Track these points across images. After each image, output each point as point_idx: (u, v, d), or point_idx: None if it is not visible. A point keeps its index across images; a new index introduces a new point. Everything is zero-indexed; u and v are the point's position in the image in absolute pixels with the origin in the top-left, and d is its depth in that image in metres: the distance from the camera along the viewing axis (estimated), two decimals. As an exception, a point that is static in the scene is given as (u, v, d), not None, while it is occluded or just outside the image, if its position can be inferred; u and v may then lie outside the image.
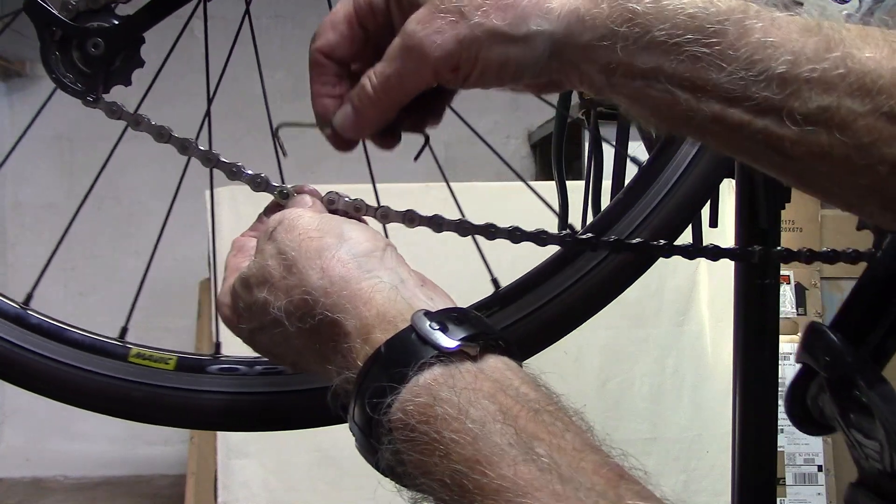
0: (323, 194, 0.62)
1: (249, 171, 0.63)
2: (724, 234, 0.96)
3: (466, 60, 0.51)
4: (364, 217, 0.62)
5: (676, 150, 0.73)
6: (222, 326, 0.60)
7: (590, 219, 0.93)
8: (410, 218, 0.63)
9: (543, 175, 3.19)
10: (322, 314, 0.50)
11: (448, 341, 0.45)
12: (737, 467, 0.93)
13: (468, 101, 0.74)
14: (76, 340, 0.67)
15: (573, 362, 1.92)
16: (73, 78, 0.61)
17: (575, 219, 1.04)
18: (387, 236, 0.57)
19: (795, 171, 0.50)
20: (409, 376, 0.44)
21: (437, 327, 0.46)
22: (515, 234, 0.66)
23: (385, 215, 0.63)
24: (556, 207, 1.06)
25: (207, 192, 1.96)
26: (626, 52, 0.49)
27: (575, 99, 1.10)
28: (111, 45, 0.61)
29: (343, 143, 0.57)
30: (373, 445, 0.46)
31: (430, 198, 1.09)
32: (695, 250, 0.69)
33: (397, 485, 0.46)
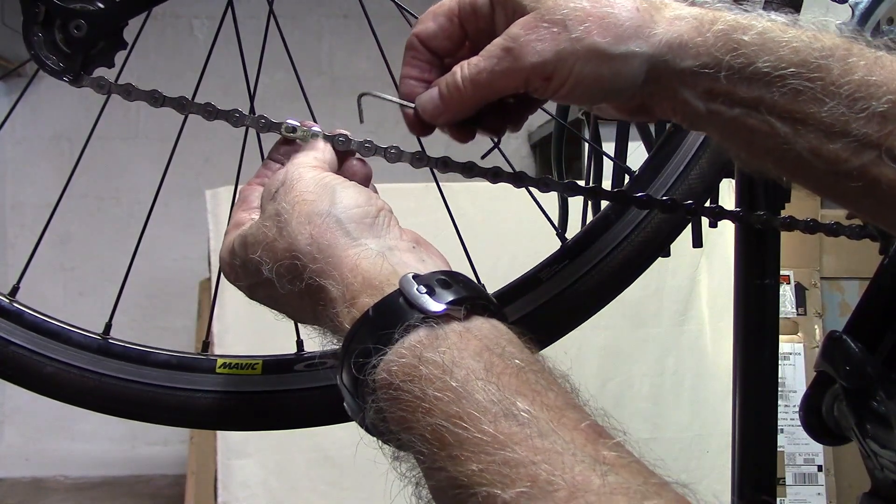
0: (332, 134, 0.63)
1: (253, 115, 0.63)
2: (724, 233, 0.96)
3: (561, 72, 0.52)
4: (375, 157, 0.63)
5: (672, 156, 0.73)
6: (216, 327, 0.61)
7: (589, 219, 0.93)
8: (444, 162, 0.64)
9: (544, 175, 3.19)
10: (310, 279, 0.51)
11: (435, 304, 0.46)
12: (737, 467, 0.93)
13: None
14: (162, 361, 0.68)
15: (573, 362, 1.91)
16: (55, 59, 0.61)
17: (575, 219, 1.04)
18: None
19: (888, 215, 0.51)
20: (395, 338, 0.45)
21: (425, 291, 0.47)
22: (569, 188, 0.67)
23: (397, 155, 0.64)
24: (556, 208, 1.06)
25: (208, 192, 1.97)
26: (729, 81, 0.50)
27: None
28: (94, 27, 0.60)
29: (420, 126, 0.59)
30: (359, 405, 0.47)
31: (430, 198, 1.09)
32: (696, 210, 0.69)
33: (379, 440, 0.47)
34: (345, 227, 0.52)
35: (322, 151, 0.61)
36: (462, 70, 0.55)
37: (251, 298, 0.60)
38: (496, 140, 0.64)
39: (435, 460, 0.41)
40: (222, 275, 0.60)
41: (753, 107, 0.50)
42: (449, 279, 0.48)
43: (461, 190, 1.84)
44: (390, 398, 0.44)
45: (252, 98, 0.72)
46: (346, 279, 0.50)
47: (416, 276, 0.48)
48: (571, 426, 0.40)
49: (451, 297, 0.47)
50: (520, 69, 0.53)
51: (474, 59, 0.55)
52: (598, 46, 0.51)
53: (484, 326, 0.46)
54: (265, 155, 0.65)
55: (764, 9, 0.69)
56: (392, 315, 0.46)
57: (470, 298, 0.47)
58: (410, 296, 0.47)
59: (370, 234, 0.53)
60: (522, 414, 0.40)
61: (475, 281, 0.50)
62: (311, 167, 0.58)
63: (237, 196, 0.63)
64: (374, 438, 0.47)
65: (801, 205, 2.01)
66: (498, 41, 0.53)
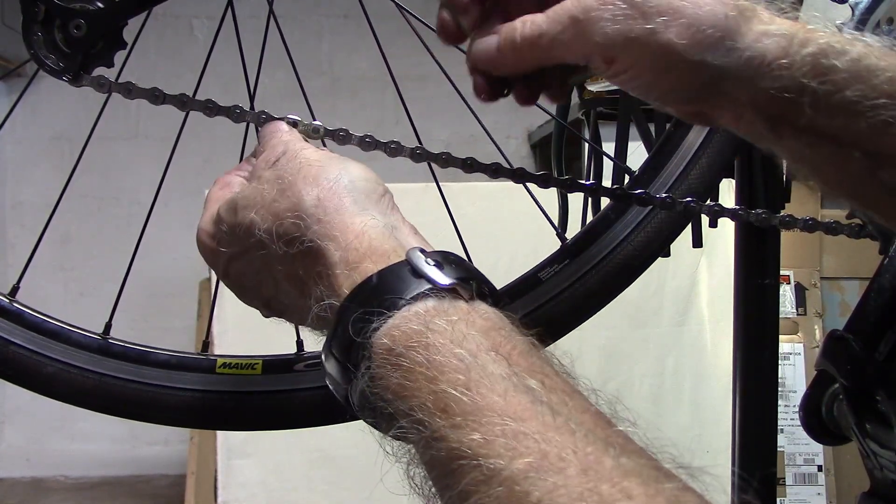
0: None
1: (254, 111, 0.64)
2: (724, 233, 0.96)
3: (624, 60, 0.49)
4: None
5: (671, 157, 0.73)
6: (216, 327, 0.60)
7: (589, 219, 0.93)
8: (444, 158, 0.63)
9: (543, 175, 3.18)
10: (311, 241, 0.49)
11: (443, 278, 0.44)
12: (737, 467, 0.93)
13: (469, 101, 0.74)
14: (162, 361, 0.67)
15: (573, 362, 1.92)
16: (55, 58, 0.61)
17: (575, 219, 1.04)
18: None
19: None
20: (401, 304, 0.43)
21: (433, 264, 0.45)
22: (567, 184, 0.67)
23: (397, 150, 0.64)
24: (556, 208, 1.06)
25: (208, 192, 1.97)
26: (813, 108, 0.46)
27: (575, 99, 1.10)
28: (94, 27, 0.60)
29: (488, 87, 0.55)
30: (349, 373, 0.44)
31: (429, 197, 1.08)
32: (697, 208, 0.69)
33: (364, 418, 0.44)
34: (353, 195, 0.51)
35: (294, 133, 0.60)
36: (523, 28, 0.51)
37: (223, 278, 0.57)
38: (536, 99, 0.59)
39: (436, 430, 0.38)
40: (198, 251, 0.58)
41: (832, 136, 0.46)
42: (455, 259, 0.47)
43: (461, 190, 1.84)
44: (390, 364, 0.41)
45: (252, 98, 0.72)
46: (350, 243, 0.48)
47: (422, 251, 0.47)
48: (581, 409, 0.39)
49: (458, 274, 0.45)
50: (583, 45, 0.49)
51: (538, 18, 0.50)
52: (673, 46, 0.47)
53: (489, 310, 0.45)
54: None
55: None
56: (398, 282, 0.44)
57: (477, 279, 0.46)
58: (418, 266, 0.45)
59: (377, 209, 0.51)
60: (534, 391, 0.38)
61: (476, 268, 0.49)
62: (307, 144, 0.57)
63: (214, 183, 0.61)
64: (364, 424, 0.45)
65: (800, 204, 2.01)
66: (567, 5, 0.49)
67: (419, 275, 0.45)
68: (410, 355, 0.41)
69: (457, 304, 0.44)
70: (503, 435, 0.36)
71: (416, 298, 0.43)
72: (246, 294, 0.58)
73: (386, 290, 0.44)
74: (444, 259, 0.46)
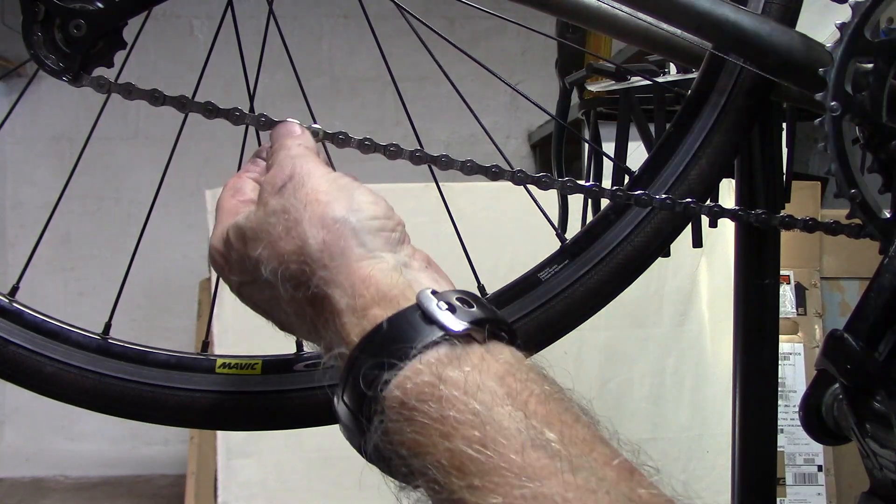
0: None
1: (253, 114, 0.63)
2: (724, 233, 0.96)
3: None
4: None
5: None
6: (216, 327, 0.60)
7: (589, 219, 0.93)
8: (444, 160, 0.63)
9: (543, 175, 3.18)
10: (317, 286, 0.48)
11: (456, 323, 0.43)
12: (737, 467, 0.93)
13: (469, 101, 0.74)
14: (162, 361, 0.67)
15: (573, 362, 1.92)
16: (55, 58, 0.61)
17: (575, 219, 1.04)
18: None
19: None
20: (412, 354, 0.42)
21: (445, 307, 0.43)
22: (567, 186, 0.67)
23: (397, 153, 0.63)
24: (556, 208, 1.06)
25: (208, 192, 1.97)
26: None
27: (575, 99, 1.10)
28: (93, 27, 0.60)
29: None
30: (361, 425, 0.43)
31: (429, 198, 1.08)
32: (697, 208, 0.69)
33: (382, 471, 0.43)
34: (360, 238, 0.49)
35: (307, 138, 0.58)
36: None
37: (237, 295, 0.57)
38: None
39: (452, 491, 0.37)
40: (210, 264, 0.58)
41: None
42: (468, 299, 0.45)
43: (461, 190, 1.84)
44: (403, 419, 0.40)
45: (252, 98, 0.72)
46: (357, 289, 0.46)
47: (434, 293, 0.45)
48: (603, 461, 0.37)
49: (471, 318, 0.43)
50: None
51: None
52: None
53: (504, 351, 0.43)
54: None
55: (764, 11, 0.70)
56: (408, 329, 0.43)
57: (490, 321, 0.44)
58: (429, 311, 0.43)
59: (386, 247, 0.49)
60: (552, 445, 0.37)
61: (491, 305, 0.47)
62: (316, 162, 0.54)
63: (225, 187, 0.60)
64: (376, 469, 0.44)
65: (800, 204, 2.01)
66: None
67: (430, 320, 0.43)
68: (423, 409, 0.39)
69: (470, 350, 0.42)
70: (523, 498, 0.35)
71: (427, 347, 0.42)
72: (258, 312, 0.57)
73: (396, 338, 0.43)
74: (455, 300, 0.45)
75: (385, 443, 0.41)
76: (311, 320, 0.50)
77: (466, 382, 0.40)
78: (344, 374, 0.45)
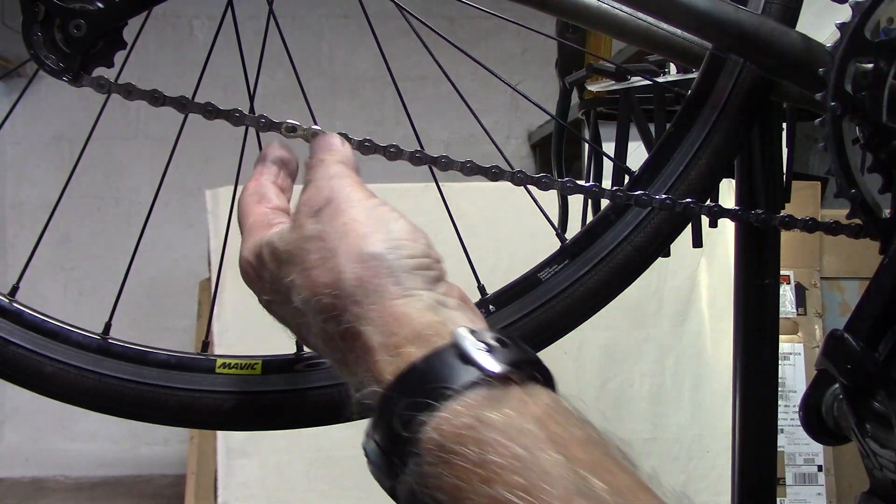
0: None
1: (253, 115, 0.63)
2: (724, 233, 0.96)
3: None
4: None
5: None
6: (216, 327, 0.60)
7: (589, 219, 0.93)
8: (444, 161, 0.63)
9: (543, 175, 3.19)
10: (349, 322, 0.47)
11: (494, 364, 0.42)
12: (737, 467, 0.93)
13: (469, 101, 0.74)
14: (162, 361, 0.67)
15: (573, 362, 1.92)
16: (55, 58, 0.60)
17: (575, 219, 1.04)
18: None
19: None
20: (449, 395, 0.40)
21: (483, 348, 0.42)
22: (567, 186, 0.67)
23: (396, 153, 0.63)
24: (556, 208, 1.06)
25: (208, 192, 1.97)
26: None
27: (575, 99, 1.10)
28: (93, 27, 0.60)
29: None
30: (394, 467, 0.41)
31: (429, 198, 1.08)
32: (697, 208, 0.69)
33: None
34: (397, 276, 0.48)
35: (346, 152, 0.57)
36: None
37: (265, 309, 0.56)
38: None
39: None
40: (240, 274, 0.56)
41: None
42: (506, 339, 0.44)
43: (461, 190, 1.84)
44: (441, 461, 0.38)
45: (252, 98, 0.72)
46: (390, 327, 0.45)
47: (472, 331, 0.44)
48: None
49: (509, 359, 0.42)
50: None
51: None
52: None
53: (542, 394, 0.42)
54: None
55: (764, 11, 0.70)
56: (445, 369, 0.42)
57: (528, 363, 0.43)
58: (466, 351, 0.42)
59: (422, 284, 0.48)
60: (598, 493, 0.36)
61: (527, 346, 0.46)
62: (353, 186, 0.53)
63: (247, 191, 0.59)
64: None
65: (800, 204, 2.01)
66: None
67: (467, 360, 0.42)
68: (463, 452, 0.38)
69: (509, 392, 0.41)
70: None
71: (466, 387, 0.41)
72: (286, 328, 0.56)
73: (432, 378, 0.42)
74: (492, 340, 0.44)
75: (421, 486, 0.40)
76: (341, 353, 0.49)
77: (507, 425, 0.39)
78: (377, 413, 0.43)
